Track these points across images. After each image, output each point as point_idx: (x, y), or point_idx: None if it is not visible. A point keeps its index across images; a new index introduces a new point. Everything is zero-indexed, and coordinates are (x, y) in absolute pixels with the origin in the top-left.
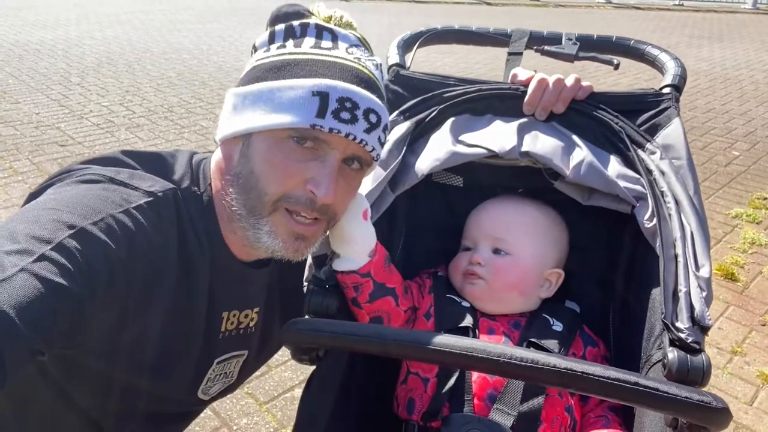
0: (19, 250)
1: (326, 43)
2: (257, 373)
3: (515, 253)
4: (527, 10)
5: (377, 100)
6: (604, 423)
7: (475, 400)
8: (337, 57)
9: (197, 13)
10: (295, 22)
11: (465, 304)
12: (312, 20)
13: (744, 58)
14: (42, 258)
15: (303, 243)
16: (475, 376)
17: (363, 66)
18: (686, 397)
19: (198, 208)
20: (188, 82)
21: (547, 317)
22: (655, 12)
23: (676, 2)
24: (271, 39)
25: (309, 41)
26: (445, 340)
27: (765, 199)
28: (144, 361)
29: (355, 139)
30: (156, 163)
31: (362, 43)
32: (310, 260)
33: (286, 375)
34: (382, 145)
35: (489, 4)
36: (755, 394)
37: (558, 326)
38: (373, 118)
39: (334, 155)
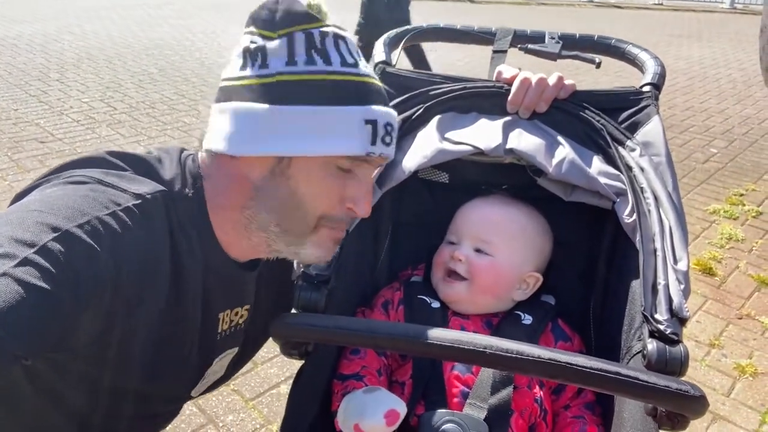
0: (1, 253)
1: (349, 58)
2: (243, 369)
3: (496, 256)
4: (510, 8)
5: (395, 113)
6: (581, 424)
7: (449, 397)
8: (364, 77)
9: (178, 9)
10: (313, 29)
11: (435, 305)
12: (317, 25)
13: (722, 56)
14: (25, 262)
15: (337, 246)
16: (447, 374)
17: (377, 80)
18: (665, 386)
19: (189, 210)
20: (170, 78)
21: (519, 313)
22: (635, 11)
23: (656, 2)
24: (291, 48)
25: (335, 56)
26: (433, 333)
27: (742, 195)
28: (139, 365)
29: (389, 157)
30: (144, 164)
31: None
32: None
33: (272, 371)
34: None
35: (473, 1)
36: (732, 386)
37: (528, 319)
38: (395, 134)
39: (371, 172)
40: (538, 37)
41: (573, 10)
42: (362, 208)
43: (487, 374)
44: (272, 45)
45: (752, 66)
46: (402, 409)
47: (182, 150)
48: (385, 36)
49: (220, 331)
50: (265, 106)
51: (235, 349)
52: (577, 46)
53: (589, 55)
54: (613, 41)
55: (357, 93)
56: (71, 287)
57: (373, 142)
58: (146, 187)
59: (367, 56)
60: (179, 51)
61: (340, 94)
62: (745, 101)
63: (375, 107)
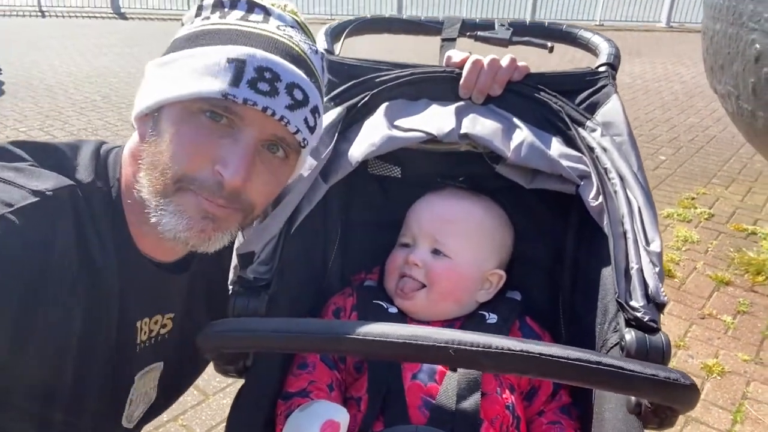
0: None
1: (256, 17)
2: (193, 401)
3: (455, 257)
4: None
5: (305, 76)
6: (558, 430)
7: (411, 410)
8: (264, 30)
9: (124, 37)
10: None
11: (392, 310)
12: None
13: (662, 71)
14: None
15: (211, 225)
16: (407, 384)
17: (294, 44)
18: (652, 375)
19: (103, 205)
20: (114, 104)
21: (483, 313)
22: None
23: (597, 23)
24: (198, 13)
25: (236, 14)
26: (384, 329)
27: (693, 198)
28: (53, 385)
29: (274, 114)
30: (53, 155)
31: (301, 28)
32: (235, 261)
33: (225, 402)
34: (310, 129)
35: None
36: (701, 386)
37: (493, 318)
38: (298, 94)
39: (249, 133)
40: (488, 25)
41: None
42: (230, 171)
43: (451, 381)
44: (187, 14)
45: (692, 79)
46: (342, 417)
47: (102, 143)
48: (327, 26)
49: (138, 342)
50: (152, 62)
51: (159, 364)
52: (528, 32)
53: (541, 41)
54: (564, 27)
55: (229, 35)
56: None
57: (234, 83)
58: (49, 182)
59: None
60: (124, 78)
61: (212, 38)
62: (688, 111)
63: (249, 49)
